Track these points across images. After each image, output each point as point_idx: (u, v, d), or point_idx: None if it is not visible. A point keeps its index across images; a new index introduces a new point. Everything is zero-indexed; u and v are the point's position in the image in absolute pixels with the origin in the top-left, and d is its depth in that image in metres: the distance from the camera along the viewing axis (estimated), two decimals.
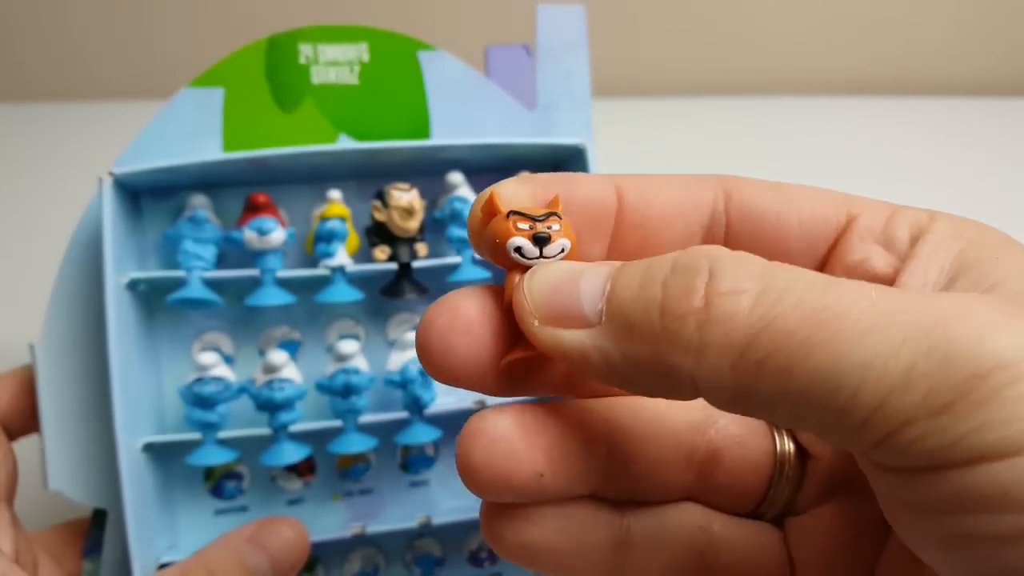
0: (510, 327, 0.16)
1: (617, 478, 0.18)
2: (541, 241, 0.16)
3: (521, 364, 0.16)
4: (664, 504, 0.19)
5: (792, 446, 0.20)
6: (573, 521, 0.18)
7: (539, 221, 0.16)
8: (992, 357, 0.13)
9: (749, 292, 0.14)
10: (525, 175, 0.18)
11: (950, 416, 0.13)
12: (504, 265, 0.16)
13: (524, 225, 0.16)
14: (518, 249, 0.16)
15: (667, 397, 0.15)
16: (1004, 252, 0.16)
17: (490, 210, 0.17)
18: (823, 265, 0.19)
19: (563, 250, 0.16)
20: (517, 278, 0.16)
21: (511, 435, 0.16)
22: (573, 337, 0.15)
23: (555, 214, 0.16)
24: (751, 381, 0.13)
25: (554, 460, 0.17)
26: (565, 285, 0.15)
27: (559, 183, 0.17)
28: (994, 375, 0.12)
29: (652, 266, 0.15)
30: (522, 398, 0.17)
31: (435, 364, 0.16)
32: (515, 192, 0.17)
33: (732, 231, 0.18)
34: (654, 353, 0.14)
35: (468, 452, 0.16)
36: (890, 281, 0.17)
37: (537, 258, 0.16)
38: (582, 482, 0.18)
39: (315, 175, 0.33)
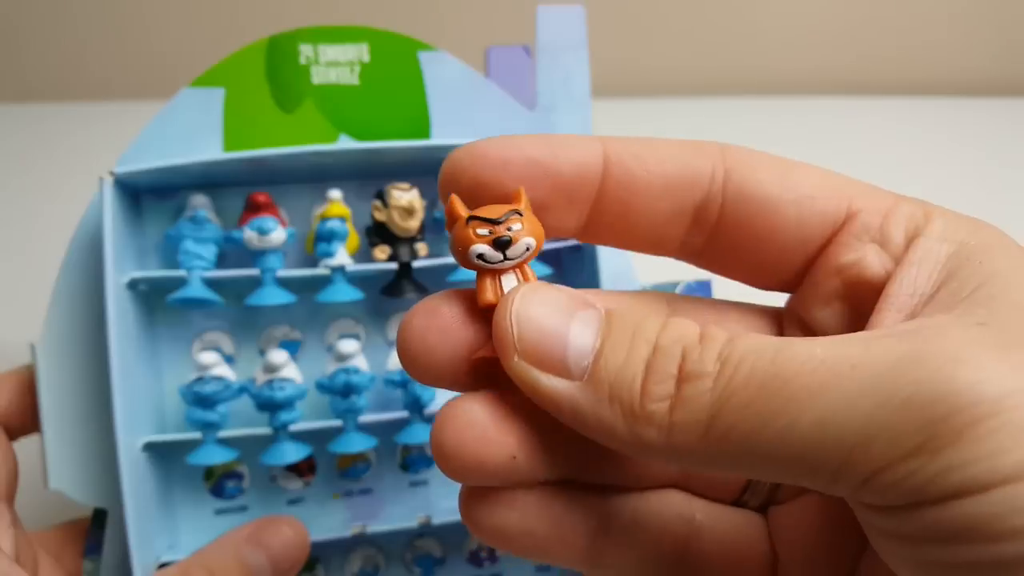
0: (483, 327, 0.17)
1: (597, 463, 0.18)
2: (503, 245, 0.16)
3: (490, 362, 0.17)
4: (647, 491, 0.19)
5: None
6: (550, 505, 0.18)
7: (499, 223, 0.16)
8: (949, 400, 0.13)
9: (710, 375, 0.14)
10: (505, 137, 0.18)
11: (917, 459, 0.13)
12: (473, 269, 0.17)
13: (483, 231, 0.16)
14: (480, 256, 0.16)
15: (629, 455, 0.16)
16: (990, 255, 0.16)
17: (452, 215, 0.16)
18: (814, 261, 0.19)
19: (528, 248, 0.16)
20: (488, 282, 0.16)
21: (483, 419, 0.16)
22: (550, 383, 0.15)
23: (516, 211, 0.16)
24: (720, 449, 0.14)
25: (527, 443, 0.17)
26: (553, 331, 0.16)
27: (540, 145, 0.17)
28: (953, 418, 0.13)
29: (637, 336, 0.15)
30: None
31: (413, 364, 0.17)
32: (480, 170, 0.17)
33: (726, 214, 0.18)
34: (630, 428, 0.15)
35: (441, 436, 0.16)
36: (882, 285, 0.17)
37: (502, 261, 0.16)
38: (557, 465, 0.17)
39: (315, 175, 0.33)
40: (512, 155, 0.17)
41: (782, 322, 0.20)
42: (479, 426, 0.16)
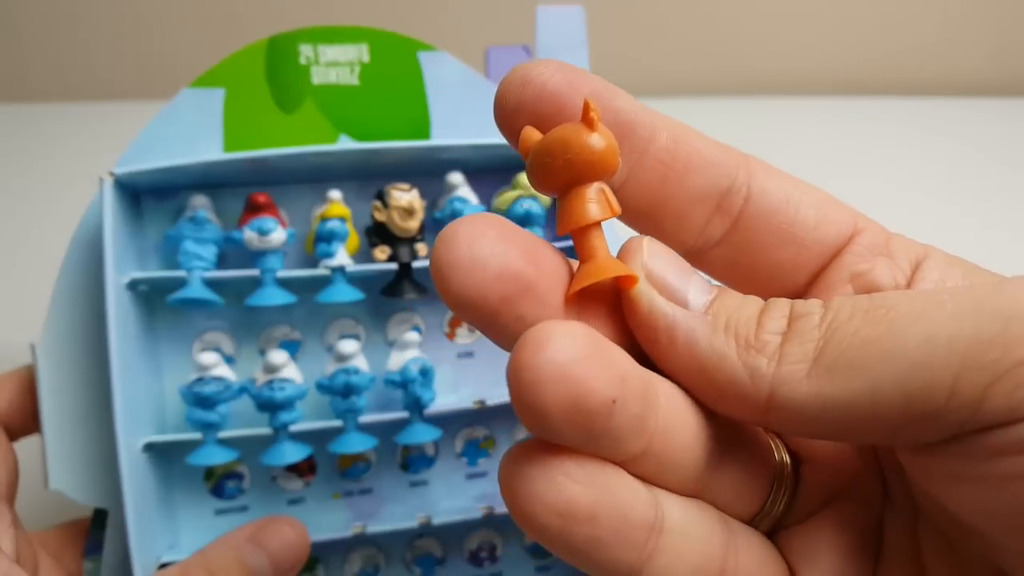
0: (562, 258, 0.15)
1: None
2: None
3: (587, 292, 0.15)
4: (684, 496, 0.17)
5: (786, 452, 0.19)
6: (617, 485, 0.15)
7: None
8: None
9: (816, 312, 0.15)
10: (560, 62, 0.16)
11: None
12: (577, 185, 0.15)
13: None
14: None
15: (728, 408, 0.16)
16: (1003, 280, 0.17)
17: (591, 121, 0.14)
18: (824, 269, 0.19)
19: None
20: (593, 191, 0.15)
21: (592, 342, 0.14)
22: (671, 309, 0.15)
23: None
24: (826, 384, 0.14)
25: (627, 386, 0.14)
26: (681, 268, 0.16)
27: (602, 83, 0.17)
28: None
29: (747, 298, 0.16)
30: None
31: (459, 284, 0.14)
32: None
33: (748, 206, 0.18)
34: (742, 358, 0.15)
35: (537, 357, 0.13)
36: None
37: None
38: (635, 432, 0.15)
39: (315, 175, 0.33)
40: (577, 79, 0.16)
41: None
42: (588, 349, 0.14)
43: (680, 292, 0.16)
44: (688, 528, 0.16)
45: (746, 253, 0.19)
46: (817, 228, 0.19)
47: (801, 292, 0.19)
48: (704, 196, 0.18)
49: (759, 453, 0.19)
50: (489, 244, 0.14)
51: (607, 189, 0.15)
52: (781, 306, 0.16)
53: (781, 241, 0.19)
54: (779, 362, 0.15)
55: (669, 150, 0.18)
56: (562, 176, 0.15)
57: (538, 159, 0.15)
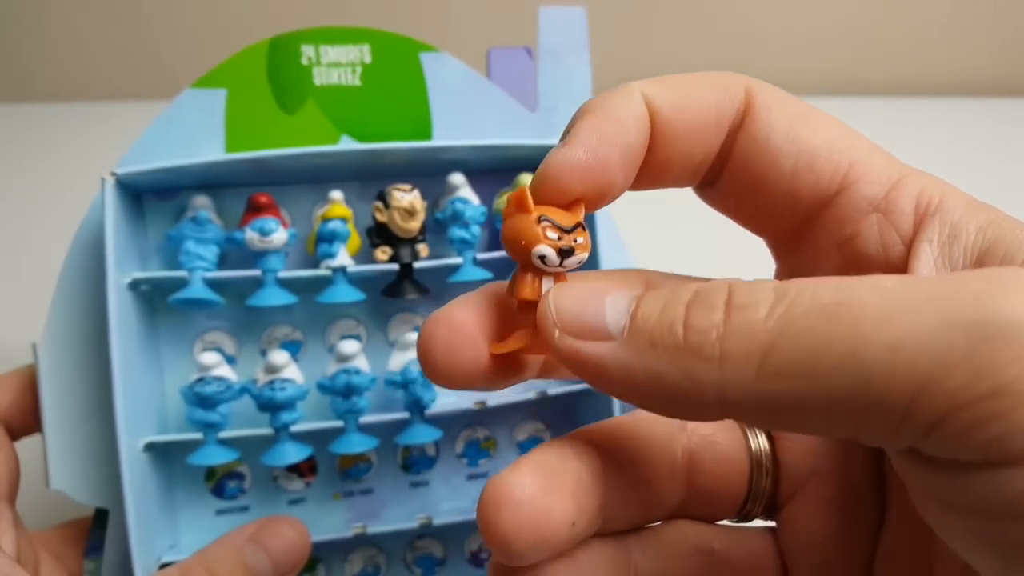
0: (503, 324, 0.17)
1: (620, 507, 0.18)
2: (565, 254, 0.16)
3: (514, 356, 0.17)
4: (660, 526, 0.19)
5: (764, 438, 0.20)
6: (588, 568, 0.17)
7: (568, 232, 0.16)
8: None
9: (764, 303, 0.13)
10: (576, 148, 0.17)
11: (1002, 400, 0.11)
12: (520, 262, 0.17)
13: (553, 235, 0.16)
14: (542, 257, 0.16)
15: (687, 416, 0.15)
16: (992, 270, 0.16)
17: (521, 205, 0.17)
18: (812, 224, 0.18)
19: (579, 263, 0.17)
20: (529, 277, 0.17)
21: (536, 492, 0.16)
22: (593, 349, 0.15)
23: (581, 225, 0.17)
24: (777, 386, 0.13)
25: (582, 503, 0.16)
26: (591, 301, 0.15)
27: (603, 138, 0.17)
28: None
29: (675, 291, 0.15)
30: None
31: (438, 373, 0.17)
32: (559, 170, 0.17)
33: (735, 153, 0.18)
34: (678, 367, 0.14)
35: (496, 520, 0.15)
36: (884, 264, 0.17)
37: (557, 267, 0.16)
38: (600, 517, 0.17)
39: (317, 176, 0.33)
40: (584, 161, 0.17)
41: None
42: (535, 501, 0.16)
43: (598, 326, 0.15)
44: (666, 561, 0.18)
45: (732, 196, 0.19)
46: (793, 181, 0.18)
47: (790, 241, 0.19)
48: (706, 154, 0.18)
49: (728, 449, 0.19)
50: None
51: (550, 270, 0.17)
52: (714, 294, 0.14)
53: (757, 192, 0.18)
54: (721, 364, 0.13)
55: (665, 137, 0.18)
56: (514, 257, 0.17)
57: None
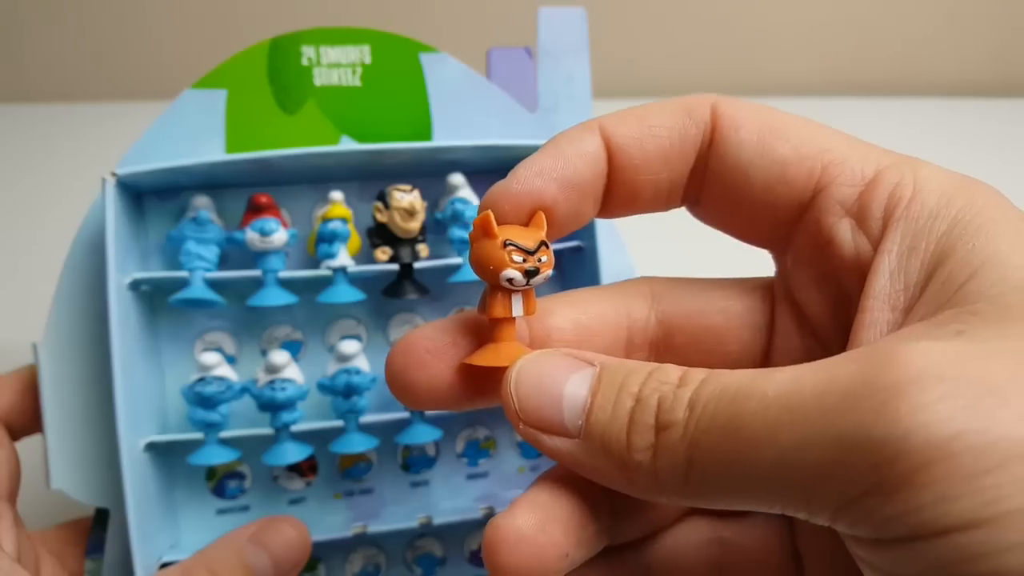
0: (470, 341, 0.19)
1: (628, 521, 0.19)
2: (531, 274, 0.18)
3: (476, 372, 0.19)
4: (671, 528, 0.20)
5: None
6: None
7: (532, 254, 0.18)
8: (895, 444, 0.13)
9: (680, 422, 0.15)
10: (529, 168, 0.19)
11: (872, 499, 0.13)
12: (490, 283, 0.18)
13: (518, 258, 0.18)
14: (510, 280, 0.18)
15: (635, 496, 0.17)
16: (984, 233, 0.16)
17: (486, 230, 0.18)
18: (793, 228, 0.19)
19: (545, 279, 0.18)
20: (499, 296, 0.18)
21: (530, 532, 0.17)
22: (553, 444, 0.17)
23: (544, 243, 0.18)
24: (702, 490, 0.15)
25: (574, 535, 0.17)
26: (550, 391, 0.17)
27: (551, 175, 0.18)
28: (899, 462, 0.13)
29: (623, 391, 0.16)
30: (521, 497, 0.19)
31: (401, 396, 0.19)
32: (513, 198, 0.18)
33: (709, 172, 0.19)
34: (624, 476, 0.16)
35: (499, 560, 0.17)
36: (858, 265, 0.17)
37: (524, 286, 0.18)
38: (601, 540, 0.18)
39: (317, 176, 0.33)
40: (537, 186, 0.18)
41: (774, 296, 0.20)
42: (530, 539, 0.17)
43: (557, 423, 0.17)
44: (679, 564, 0.20)
45: (715, 211, 0.20)
46: (767, 192, 0.18)
47: (778, 246, 0.20)
48: (676, 180, 0.19)
49: None
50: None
51: (517, 291, 0.18)
52: (648, 411, 0.16)
53: (737, 206, 0.19)
54: (656, 478, 0.16)
55: (626, 168, 0.19)
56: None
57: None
